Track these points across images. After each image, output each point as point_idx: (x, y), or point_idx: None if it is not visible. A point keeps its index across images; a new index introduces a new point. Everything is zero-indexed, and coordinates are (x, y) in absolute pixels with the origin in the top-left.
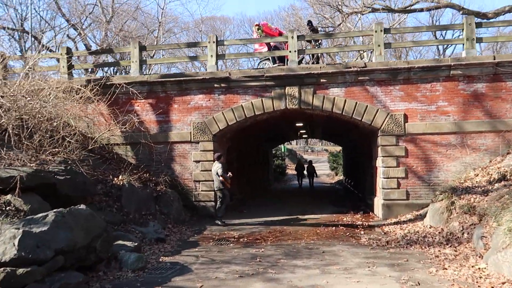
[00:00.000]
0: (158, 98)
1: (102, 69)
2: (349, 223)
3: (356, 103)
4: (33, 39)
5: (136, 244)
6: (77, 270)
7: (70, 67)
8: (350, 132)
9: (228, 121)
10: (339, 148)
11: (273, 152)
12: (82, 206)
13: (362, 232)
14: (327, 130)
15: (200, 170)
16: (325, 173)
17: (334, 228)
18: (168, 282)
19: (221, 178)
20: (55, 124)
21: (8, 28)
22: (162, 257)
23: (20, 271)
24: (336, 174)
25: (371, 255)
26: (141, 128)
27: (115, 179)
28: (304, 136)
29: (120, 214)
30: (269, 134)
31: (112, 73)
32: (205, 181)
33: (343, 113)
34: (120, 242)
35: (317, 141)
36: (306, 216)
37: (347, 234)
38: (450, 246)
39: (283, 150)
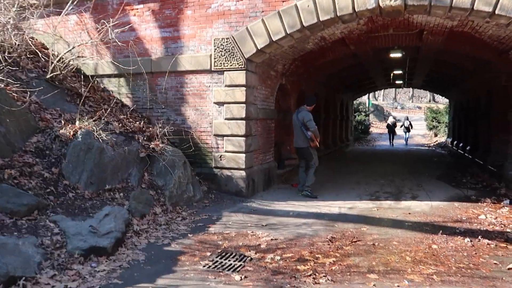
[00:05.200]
0: (163, 1)
1: None
2: (495, 228)
3: None
4: None
5: None
6: None
7: None
8: (481, 67)
9: (272, 34)
10: (439, 105)
11: (353, 105)
12: None
13: None
14: (436, 67)
15: (225, 117)
16: (420, 133)
17: (469, 241)
18: None
19: (310, 133)
20: None
21: None
22: None
23: None
24: (436, 135)
25: None
26: (138, 50)
27: (69, 126)
28: (397, 82)
29: (45, 191)
30: (348, 76)
31: None
32: (232, 136)
33: (496, 12)
34: None
35: (406, 99)
36: (402, 204)
37: (507, 267)
38: None
39: (368, 104)
